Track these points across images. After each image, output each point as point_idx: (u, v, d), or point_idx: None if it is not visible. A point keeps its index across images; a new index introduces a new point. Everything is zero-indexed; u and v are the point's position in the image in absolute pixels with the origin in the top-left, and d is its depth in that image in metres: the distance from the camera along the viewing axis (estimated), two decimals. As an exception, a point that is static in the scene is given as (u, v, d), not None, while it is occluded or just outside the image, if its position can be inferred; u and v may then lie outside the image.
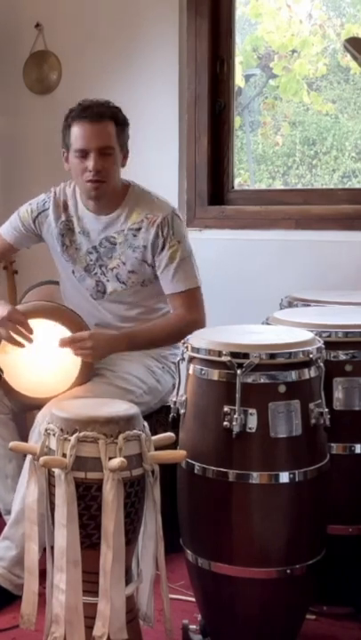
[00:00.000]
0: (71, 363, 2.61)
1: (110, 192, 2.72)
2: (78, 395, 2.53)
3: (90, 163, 2.64)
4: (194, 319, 2.71)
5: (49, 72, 3.65)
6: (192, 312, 2.74)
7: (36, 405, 2.66)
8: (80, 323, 2.66)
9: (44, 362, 2.64)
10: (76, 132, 2.65)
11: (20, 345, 2.60)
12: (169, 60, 3.44)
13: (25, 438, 2.54)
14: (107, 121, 2.65)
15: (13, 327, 2.58)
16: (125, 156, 2.75)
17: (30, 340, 2.60)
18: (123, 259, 2.75)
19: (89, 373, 2.64)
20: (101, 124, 2.65)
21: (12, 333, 2.59)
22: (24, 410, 2.89)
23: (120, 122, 2.70)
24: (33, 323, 2.62)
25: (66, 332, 2.61)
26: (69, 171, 2.74)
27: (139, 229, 2.73)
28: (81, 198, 2.80)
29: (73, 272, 2.83)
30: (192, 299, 2.76)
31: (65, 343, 2.56)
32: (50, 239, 2.86)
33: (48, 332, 2.62)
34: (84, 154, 2.65)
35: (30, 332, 2.60)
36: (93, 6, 3.57)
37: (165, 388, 2.79)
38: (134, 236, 2.73)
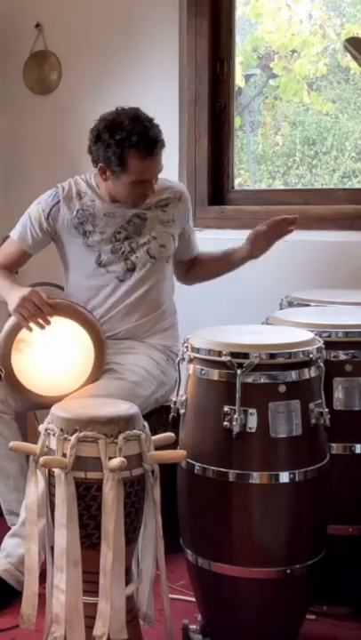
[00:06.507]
0: (84, 360, 2.62)
1: None
2: (91, 392, 2.54)
3: (147, 187, 2.71)
4: None
5: (49, 72, 3.65)
6: None
7: (46, 404, 2.64)
8: (94, 322, 2.66)
9: (57, 360, 2.64)
10: (135, 162, 2.64)
11: (30, 329, 2.59)
12: (169, 60, 3.44)
13: (26, 438, 2.53)
14: (161, 148, 2.69)
15: (34, 308, 2.57)
16: None
17: (48, 323, 2.59)
18: (153, 234, 2.81)
19: (101, 371, 2.65)
20: (159, 154, 2.69)
21: (30, 319, 2.57)
22: (32, 409, 2.89)
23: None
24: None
25: (79, 331, 2.62)
26: (106, 181, 2.74)
27: (167, 205, 2.83)
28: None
29: (99, 257, 2.80)
30: None
31: None
32: (65, 232, 2.82)
33: (62, 330, 2.62)
34: (141, 182, 2.69)
35: (50, 314, 2.59)
36: (93, 6, 3.57)
37: (170, 380, 2.80)
38: (163, 211, 2.83)
